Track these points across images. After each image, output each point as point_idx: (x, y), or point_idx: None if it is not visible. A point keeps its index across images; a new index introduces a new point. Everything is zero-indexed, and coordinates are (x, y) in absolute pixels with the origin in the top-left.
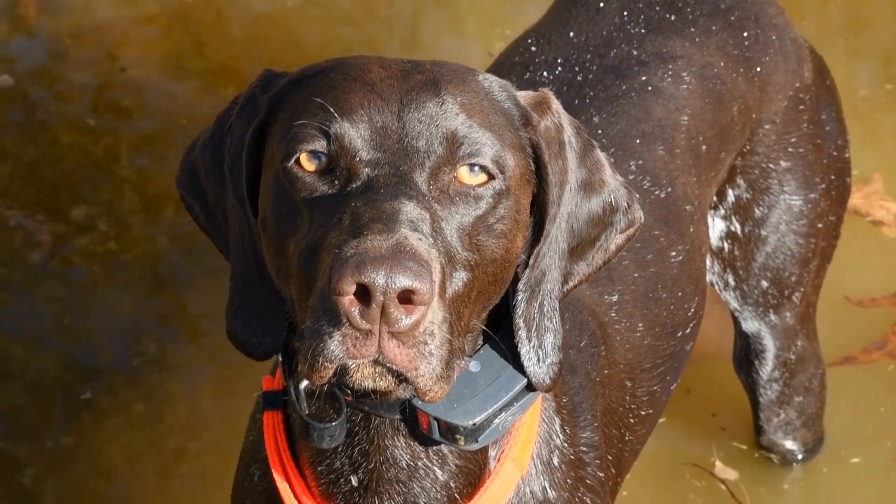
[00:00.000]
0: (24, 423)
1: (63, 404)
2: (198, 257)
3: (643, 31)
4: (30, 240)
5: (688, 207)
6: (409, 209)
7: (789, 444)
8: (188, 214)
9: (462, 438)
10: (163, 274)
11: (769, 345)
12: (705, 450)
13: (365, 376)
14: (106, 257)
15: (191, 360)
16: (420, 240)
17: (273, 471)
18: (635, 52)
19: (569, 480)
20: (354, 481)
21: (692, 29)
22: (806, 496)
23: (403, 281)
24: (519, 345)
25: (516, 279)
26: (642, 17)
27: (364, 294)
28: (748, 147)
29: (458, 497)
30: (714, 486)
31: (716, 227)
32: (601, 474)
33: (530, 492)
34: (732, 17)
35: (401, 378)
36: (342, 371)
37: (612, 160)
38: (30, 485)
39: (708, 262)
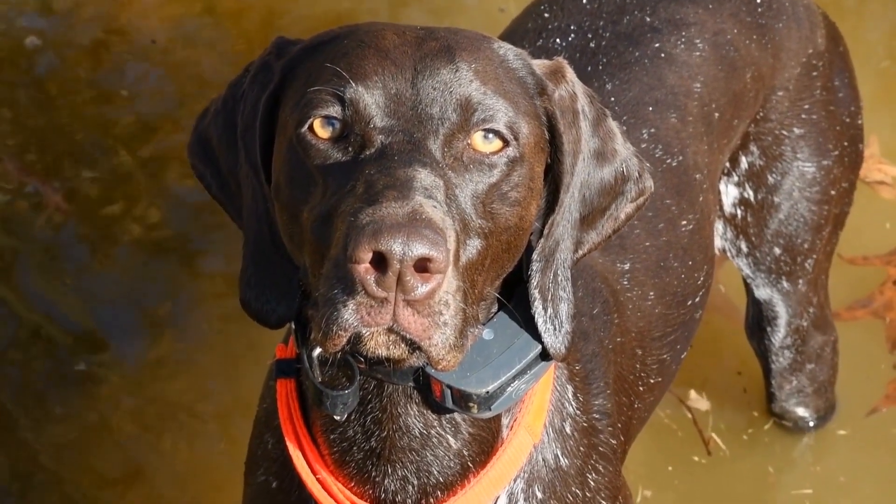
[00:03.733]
0: (31, 389)
1: (69, 369)
2: (207, 226)
3: None
4: (44, 206)
5: (698, 176)
6: (423, 176)
7: (801, 412)
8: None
9: (475, 406)
10: (173, 242)
11: (781, 312)
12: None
13: (379, 344)
14: (116, 225)
15: (197, 326)
16: (435, 207)
17: (286, 439)
18: (648, 19)
19: (581, 448)
20: (367, 449)
21: None
22: (761, 443)
23: (421, 249)
24: (535, 315)
25: (529, 248)
26: None
27: (380, 262)
28: (761, 114)
29: (470, 465)
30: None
31: (729, 193)
32: (613, 442)
33: (543, 459)
34: None
35: (414, 346)
36: (356, 339)
37: (625, 128)
38: (34, 444)
39: (721, 228)
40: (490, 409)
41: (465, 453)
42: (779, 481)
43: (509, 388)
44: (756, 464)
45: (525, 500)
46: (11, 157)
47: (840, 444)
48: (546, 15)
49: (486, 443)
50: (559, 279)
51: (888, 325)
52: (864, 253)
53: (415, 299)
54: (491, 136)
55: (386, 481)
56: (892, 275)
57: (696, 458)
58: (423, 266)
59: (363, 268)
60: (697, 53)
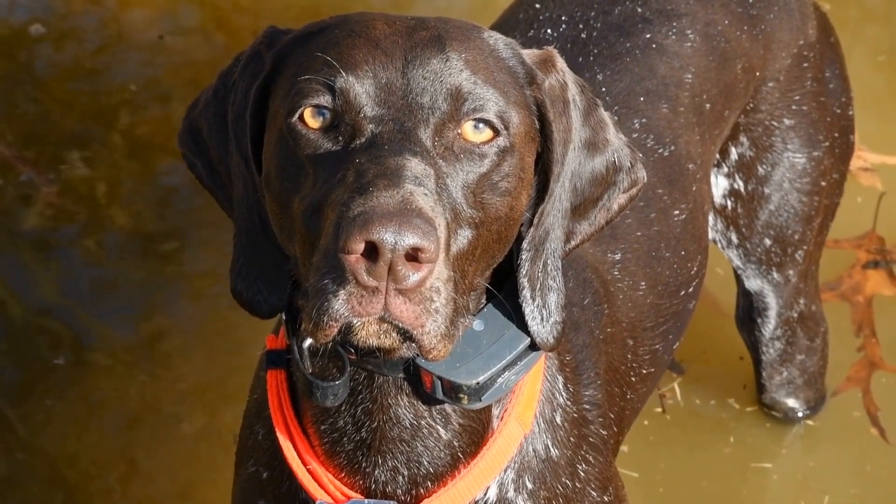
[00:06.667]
0: (20, 380)
1: (58, 360)
2: (198, 217)
3: None
4: (36, 196)
5: (691, 166)
6: (414, 165)
7: (791, 403)
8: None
9: (465, 397)
10: (163, 234)
11: (772, 303)
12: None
13: (370, 334)
14: (107, 216)
15: (186, 317)
16: (425, 195)
17: (276, 429)
18: (640, 10)
19: (572, 438)
20: (357, 440)
21: None
22: (714, 423)
23: (412, 239)
24: (523, 304)
25: (520, 238)
26: None
27: (371, 251)
28: (752, 105)
29: (461, 456)
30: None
31: (719, 184)
32: (604, 432)
33: (533, 450)
34: None
35: (406, 336)
36: (347, 329)
37: (616, 118)
38: (25, 434)
39: (711, 219)
40: (480, 400)
41: (456, 444)
42: (736, 453)
43: (500, 380)
44: (718, 435)
45: (515, 490)
46: (9, 145)
47: (805, 426)
48: (537, 6)
49: (476, 433)
50: (549, 269)
51: (854, 308)
52: (837, 236)
53: (406, 288)
54: (481, 125)
55: (376, 472)
56: (861, 258)
57: (657, 410)
58: (413, 255)
59: (354, 258)
60: (688, 44)
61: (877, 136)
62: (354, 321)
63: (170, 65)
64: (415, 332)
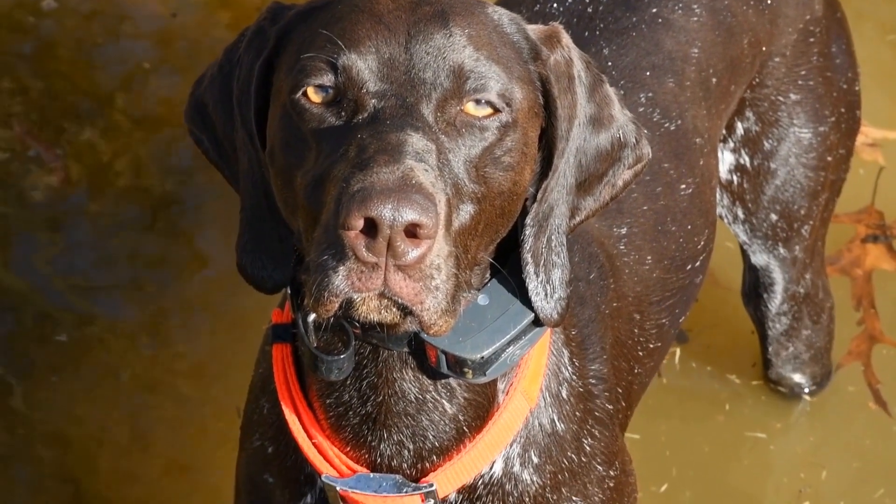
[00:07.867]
0: (23, 356)
1: (61, 336)
2: (203, 194)
3: None
4: (43, 173)
5: (697, 140)
6: (415, 140)
7: (797, 378)
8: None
9: (470, 372)
10: (169, 211)
11: (778, 278)
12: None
13: (370, 309)
14: (113, 194)
15: (191, 293)
16: (426, 170)
17: (282, 403)
18: None
19: (577, 413)
20: (363, 414)
21: None
22: (709, 393)
23: (410, 215)
24: (527, 280)
25: (524, 213)
26: None
27: (370, 227)
28: (758, 80)
29: (466, 430)
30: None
31: (725, 160)
32: (610, 407)
33: (539, 424)
34: None
35: (406, 311)
36: (348, 304)
37: (622, 94)
38: (28, 411)
39: (717, 195)
40: (485, 375)
41: (461, 418)
42: (730, 422)
43: (504, 354)
44: (713, 404)
45: (521, 464)
46: (18, 120)
47: (804, 399)
48: None
49: (481, 407)
50: (553, 244)
51: (854, 282)
52: (837, 211)
53: (405, 264)
54: (483, 103)
55: (382, 446)
56: (860, 232)
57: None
58: (412, 231)
59: (353, 234)
60: (695, 19)
61: (880, 111)
62: (354, 296)
63: (182, 42)
64: (414, 309)
